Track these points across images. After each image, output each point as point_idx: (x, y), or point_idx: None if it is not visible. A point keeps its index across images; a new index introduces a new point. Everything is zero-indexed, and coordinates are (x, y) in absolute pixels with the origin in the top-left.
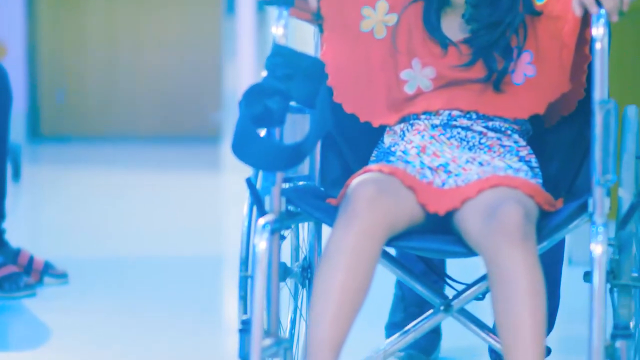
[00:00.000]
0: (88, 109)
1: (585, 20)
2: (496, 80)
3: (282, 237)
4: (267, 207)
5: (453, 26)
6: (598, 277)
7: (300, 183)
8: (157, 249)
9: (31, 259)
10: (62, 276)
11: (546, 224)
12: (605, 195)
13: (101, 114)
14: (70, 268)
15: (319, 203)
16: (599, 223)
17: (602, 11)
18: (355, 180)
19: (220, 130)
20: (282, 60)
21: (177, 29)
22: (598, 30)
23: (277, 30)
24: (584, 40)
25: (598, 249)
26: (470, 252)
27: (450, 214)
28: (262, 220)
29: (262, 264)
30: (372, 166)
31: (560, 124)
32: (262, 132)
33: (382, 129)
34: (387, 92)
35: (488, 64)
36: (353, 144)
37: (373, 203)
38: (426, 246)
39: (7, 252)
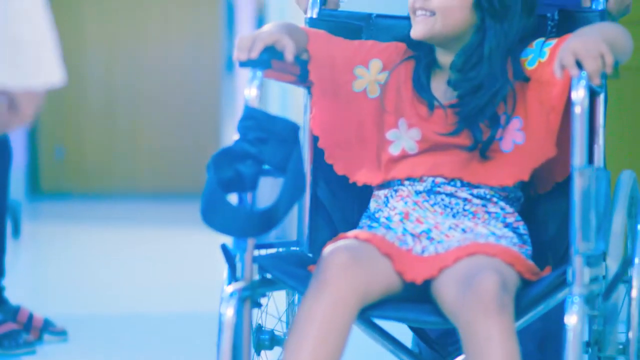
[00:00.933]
0: (87, 166)
1: None
2: (482, 150)
3: (257, 305)
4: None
5: (442, 87)
6: (572, 349)
7: (294, 249)
8: (158, 307)
9: (31, 317)
10: (61, 333)
11: (526, 294)
12: (584, 265)
13: (100, 170)
14: (69, 325)
15: (294, 270)
16: (576, 293)
17: (584, 74)
18: (329, 247)
19: None
20: (254, 123)
21: (176, 86)
22: (578, 94)
23: (249, 92)
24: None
25: (572, 320)
26: (447, 321)
27: (428, 283)
28: (229, 288)
29: (227, 333)
30: (348, 233)
31: (555, 190)
32: (234, 197)
33: (370, 193)
34: (377, 152)
35: (473, 134)
36: (342, 208)
37: (346, 271)
38: (401, 316)
39: (6, 310)
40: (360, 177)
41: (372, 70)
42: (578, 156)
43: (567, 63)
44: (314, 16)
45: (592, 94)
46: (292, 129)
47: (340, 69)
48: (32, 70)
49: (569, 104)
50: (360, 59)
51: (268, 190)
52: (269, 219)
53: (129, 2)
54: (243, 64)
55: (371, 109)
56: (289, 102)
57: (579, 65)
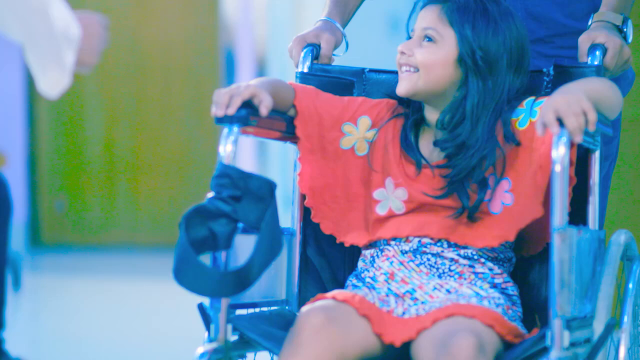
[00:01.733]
0: (88, 219)
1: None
2: (469, 214)
3: None
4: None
5: (430, 146)
6: None
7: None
8: None
9: None
10: None
11: (505, 356)
12: (564, 329)
13: (101, 223)
14: None
15: (272, 331)
16: (554, 358)
17: (565, 131)
18: (305, 308)
19: None
20: (229, 181)
21: (176, 140)
22: (558, 152)
23: (224, 149)
24: (569, 162)
25: None
26: None
27: (408, 345)
28: (200, 349)
29: None
30: (327, 293)
31: (547, 251)
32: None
33: (359, 251)
34: (364, 212)
35: (460, 199)
36: (331, 267)
37: (320, 332)
38: None
39: None
40: (348, 238)
41: (361, 128)
42: (558, 216)
43: (548, 121)
44: (305, 70)
45: (587, 151)
46: (268, 186)
47: (328, 125)
48: None
49: None
50: (349, 115)
51: (247, 249)
52: (242, 278)
53: (130, 57)
54: (220, 121)
55: (359, 167)
56: None
57: (561, 122)
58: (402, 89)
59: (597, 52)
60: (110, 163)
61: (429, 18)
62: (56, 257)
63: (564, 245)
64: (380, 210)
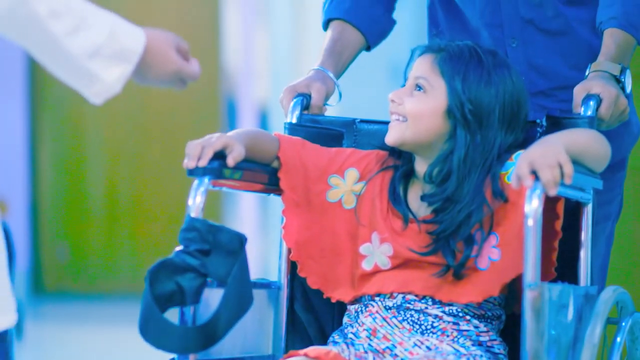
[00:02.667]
0: (90, 266)
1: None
2: (454, 272)
3: None
4: None
5: (418, 199)
6: None
7: None
8: None
9: None
10: None
11: None
12: None
13: (103, 270)
14: None
15: None
16: None
17: (539, 184)
18: None
19: None
20: (197, 234)
21: (177, 187)
22: (531, 206)
23: (193, 201)
24: (554, 215)
25: None
26: None
27: None
28: None
29: None
30: (300, 350)
31: None
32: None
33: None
34: (350, 267)
35: (445, 257)
36: (318, 321)
37: None
38: None
39: None
40: (335, 294)
41: (348, 180)
42: (529, 272)
43: (521, 173)
44: (294, 121)
45: (579, 205)
46: (238, 240)
47: (314, 177)
48: None
49: (550, 216)
50: (336, 167)
51: (208, 304)
52: (209, 334)
53: (132, 103)
54: (191, 173)
55: (346, 220)
56: None
57: (536, 175)
58: (389, 138)
59: (591, 103)
60: (112, 211)
61: (422, 67)
62: (58, 304)
63: (535, 302)
64: (366, 266)
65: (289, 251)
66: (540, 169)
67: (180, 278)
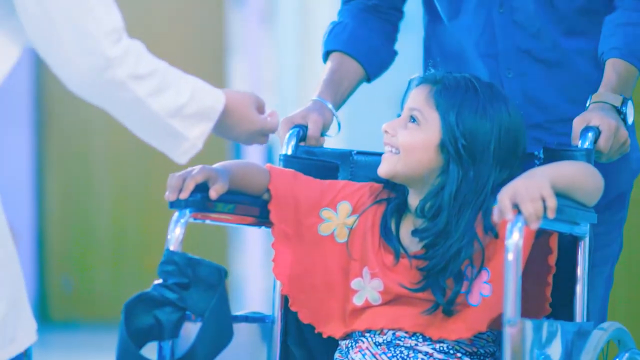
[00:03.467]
0: (96, 295)
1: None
2: (444, 309)
3: None
4: None
5: (410, 234)
6: None
7: None
8: None
9: None
10: None
11: None
12: None
13: (109, 299)
14: None
15: None
16: None
17: (520, 218)
18: None
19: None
20: (175, 268)
21: None
22: (511, 239)
23: (173, 234)
24: (547, 249)
25: None
26: None
27: None
28: None
29: None
30: None
31: None
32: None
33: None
34: (342, 302)
35: (435, 295)
36: (312, 356)
37: None
38: None
39: None
40: (326, 329)
41: (341, 213)
42: (509, 308)
43: (503, 206)
44: (289, 152)
45: (575, 239)
46: (218, 273)
47: (305, 210)
48: None
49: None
50: (328, 200)
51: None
52: None
53: (137, 137)
54: (172, 205)
55: (338, 254)
56: None
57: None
58: (381, 170)
59: (589, 135)
60: (118, 241)
61: (418, 98)
62: (64, 334)
63: (515, 339)
64: (357, 301)
65: (282, 285)
66: (522, 202)
67: (158, 312)
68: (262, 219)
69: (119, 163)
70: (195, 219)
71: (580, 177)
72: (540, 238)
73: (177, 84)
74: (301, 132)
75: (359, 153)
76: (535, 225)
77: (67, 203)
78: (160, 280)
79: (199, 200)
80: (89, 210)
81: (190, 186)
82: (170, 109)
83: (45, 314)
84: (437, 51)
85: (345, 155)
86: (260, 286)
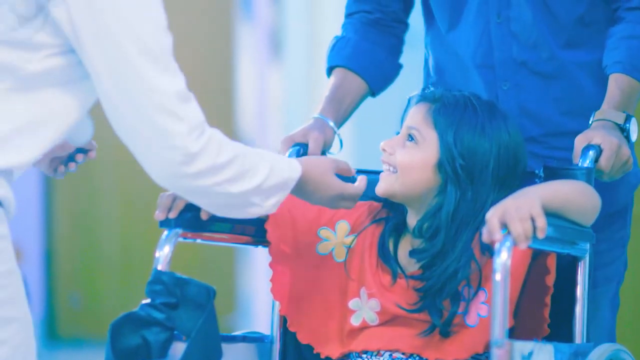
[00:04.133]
0: (104, 313)
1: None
2: (441, 330)
3: None
4: None
5: (408, 254)
6: None
7: None
8: None
9: None
10: None
11: None
12: None
13: (117, 317)
14: None
15: None
16: None
17: (509, 237)
18: None
19: (234, 332)
20: (162, 287)
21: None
22: (499, 259)
23: (161, 253)
24: (545, 270)
25: None
26: None
27: None
28: None
29: None
30: None
31: None
32: None
33: None
34: (340, 322)
35: (431, 316)
36: None
37: None
38: None
39: None
40: (324, 349)
41: (339, 233)
42: (496, 329)
43: (491, 226)
44: None
45: (575, 259)
46: (206, 292)
47: (303, 229)
48: None
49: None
50: (326, 219)
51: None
52: None
53: None
54: (162, 224)
55: (337, 274)
56: None
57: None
58: (379, 189)
59: (590, 153)
60: (126, 257)
61: (416, 117)
62: (72, 351)
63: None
64: (355, 321)
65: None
66: (510, 221)
67: (146, 332)
68: (258, 238)
69: (126, 181)
70: (185, 238)
71: (575, 196)
72: (538, 258)
73: (256, 165)
74: (301, 151)
75: (359, 171)
76: (524, 245)
77: (74, 221)
78: (148, 300)
79: (188, 219)
80: (96, 228)
81: (180, 205)
82: (248, 190)
83: (54, 331)
84: (433, 63)
85: None
86: (268, 304)
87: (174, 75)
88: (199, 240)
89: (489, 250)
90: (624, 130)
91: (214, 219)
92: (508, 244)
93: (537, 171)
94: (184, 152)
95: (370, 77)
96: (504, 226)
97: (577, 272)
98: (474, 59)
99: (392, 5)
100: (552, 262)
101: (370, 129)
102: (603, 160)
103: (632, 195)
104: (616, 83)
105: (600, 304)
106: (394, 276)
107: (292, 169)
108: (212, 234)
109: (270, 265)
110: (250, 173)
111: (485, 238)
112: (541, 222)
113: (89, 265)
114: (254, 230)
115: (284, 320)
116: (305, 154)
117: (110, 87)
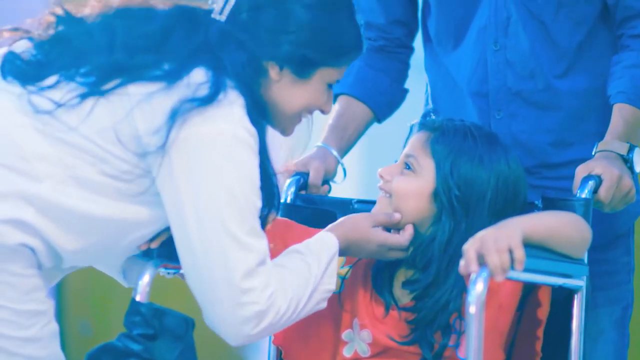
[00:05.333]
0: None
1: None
2: None
3: None
4: None
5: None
6: None
7: None
8: None
9: None
10: None
11: None
12: None
13: None
14: None
15: None
16: None
17: (485, 269)
18: None
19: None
20: (140, 319)
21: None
22: (475, 291)
23: (141, 282)
24: (537, 302)
25: None
26: None
27: None
28: None
29: None
30: None
31: None
32: None
33: None
34: (333, 353)
35: (422, 348)
36: None
37: None
38: None
39: None
40: None
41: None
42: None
43: (467, 258)
44: (288, 200)
45: (571, 291)
46: (185, 324)
47: None
48: None
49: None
50: None
51: None
52: None
53: None
54: (142, 254)
55: (331, 305)
56: None
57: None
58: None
59: (590, 183)
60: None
61: (415, 145)
62: None
63: None
64: (347, 353)
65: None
66: (487, 253)
67: None
68: None
69: None
70: (166, 269)
71: (562, 228)
72: (531, 291)
73: (306, 280)
74: (301, 180)
75: (360, 202)
76: (500, 278)
77: None
78: (126, 331)
79: (168, 251)
80: None
81: (163, 236)
82: (306, 301)
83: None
84: (430, 88)
85: (345, 204)
86: None
87: (255, 239)
88: (182, 271)
89: None
90: (627, 161)
91: None
92: (484, 274)
93: (537, 202)
94: (255, 319)
95: (375, 104)
96: (481, 258)
97: (572, 304)
98: (469, 85)
99: (395, 31)
100: (543, 295)
101: (377, 157)
102: (602, 191)
103: (632, 224)
104: (620, 113)
105: (604, 325)
106: (387, 308)
107: (329, 249)
108: None
109: None
110: (302, 299)
111: (461, 270)
112: (519, 254)
113: (99, 293)
114: None
115: (279, 352)
116: (305, 182)
117: (193, 247)
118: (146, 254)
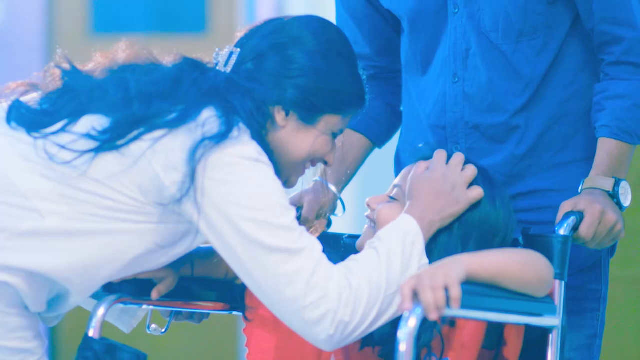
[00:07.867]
0: None
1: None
2: None
3: None
4: None
5: None
6: None
7: None
8: None
9: None
10: None
11: None
12: None
13: None
14: None
15: None
16: None
17: (418, 306)
18: None
19: None
20: (92, 354)
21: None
22: (406, 329)
23: (94, 320)
24: (504, 341)
25: None
26: None
27: None
28: None
29: None
30: None
31: None
32: None
33: None
34: None
35: None
36: None
37: None
38: None
39: None
40: None
41: None
42: None
43: (402, 294)
44: None
45: (544, 331)
46: (137, 359)
47: None
48: None
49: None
50: None
51: None
52: None
53: None
54: (105, 288)
55: None
56: None
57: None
58: (358, 243)
59: (571, 219)
60: None
61: (404, 175)
62: None
63: None
64: None
65: None
66: (421, 290)
67: None
68: (236, 305)
69: None
70: (125, 303)
71: (512, 267)
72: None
73: (394, 276)
74: (296, 214)
75: (351, 237)
76: (433, 316)
77: None
78: None
79: (129, 288)
80: None
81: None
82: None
83: None
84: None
85: (336, 239)
86: None
87: (305, 247)
88: (144, 306)
89: (449, 321)
90: (613, 197)
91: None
92: (418, 311)
93: (520, 239)
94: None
95: (371, 132)
96: (416, 295)
97: (547, 342)
98: (429, 118)
99: (382, 60)
100: (509, 334)
101: (379, 190)
102: (583, 228)
103: (602, 254)
104: (603, 148)
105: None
106: (363, 343)
107: (408, 228)
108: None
109: (245, 331)
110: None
111: (395, 308)
112: (455, 291)
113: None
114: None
115: None
116: (299, 216)
117: (254, 278)
118: (107, 289)
